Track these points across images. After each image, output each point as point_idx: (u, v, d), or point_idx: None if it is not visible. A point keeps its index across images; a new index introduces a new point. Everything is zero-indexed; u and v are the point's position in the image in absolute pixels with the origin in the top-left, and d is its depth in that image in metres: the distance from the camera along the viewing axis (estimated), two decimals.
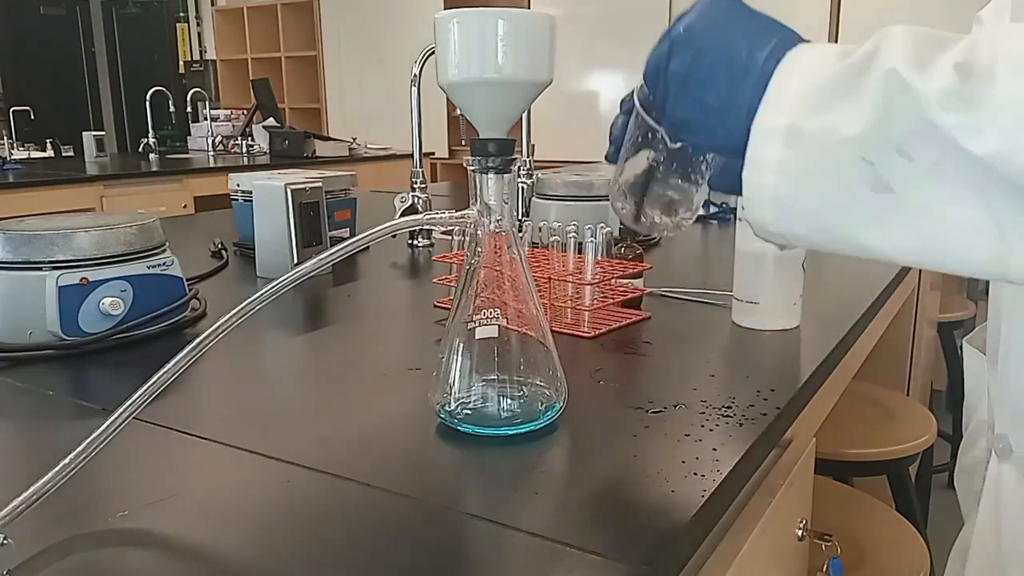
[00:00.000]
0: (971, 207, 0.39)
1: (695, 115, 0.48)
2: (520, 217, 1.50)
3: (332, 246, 0.55)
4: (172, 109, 4.81)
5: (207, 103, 5.04)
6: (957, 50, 0.39)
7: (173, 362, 0.50)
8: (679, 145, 0.55)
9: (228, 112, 5.09)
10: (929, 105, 0.39)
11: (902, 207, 0.41)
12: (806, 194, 0.43)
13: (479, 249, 0.61)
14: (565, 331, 0.88)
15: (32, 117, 4.77)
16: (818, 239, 0.45)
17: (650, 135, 0.56)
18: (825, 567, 0.95)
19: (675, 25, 0.49)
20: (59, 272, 0.82)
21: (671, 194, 0.59)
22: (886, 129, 0.40)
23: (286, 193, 1.15)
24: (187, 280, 0.94)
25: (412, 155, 1.51)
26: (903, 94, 0.39)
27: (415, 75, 1.42)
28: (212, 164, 4.11)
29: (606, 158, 0.61)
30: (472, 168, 0.60)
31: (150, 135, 4.54)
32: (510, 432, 0.61)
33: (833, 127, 0.41)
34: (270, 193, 1.17)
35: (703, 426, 0.63)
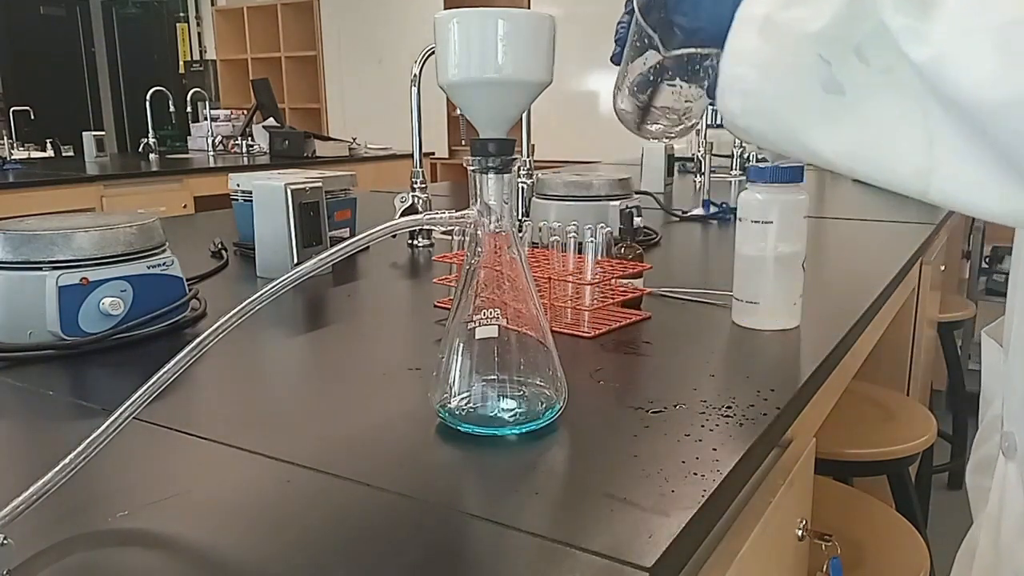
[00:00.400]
0: (910, 118, 0.39)
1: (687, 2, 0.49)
2: (520, 217, 1.50)
3: (332, 246, 0.55)
4: (172, 109, 4.81)
5: (207, 103, 5.04)
6: None
7: (173, 362, 0.50)
8: (675, 53, 0.55)
9: (228, 112, 5.09)
10: (885, 7, 0.38)
11: (850, 110, 0.41)
12: (768, 87, 0.43)
13: (479, 249, 0.61)
14: (565, 331, 0.88)
15: (32, 117, 4.78)
16: (773, 136, 0.45)
17: (647, 40, 0.56)
18: (825, 567, 0.95)
19: None
20: (59, 272, 0.82)
21: (675, 97, 0.59)
22: (846, 28, 0.40)
23: (286, 193, 1.15)
24: (187, 280, 0.94)
25: (412, 155, 1.51)
26: None
27: (415, 75, 1.42)
28: (212, 164, 4.11)
29: (611, 59, 0.61)
30: (472, 168, 0.60)
31: (150, 135, 4.54)
32: (510, 432, 0.61)
33: (799, 20, 0.41)
34: (270, 193, 1.17)
35: (703, 426, 0.63)
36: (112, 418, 0.49)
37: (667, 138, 0.63)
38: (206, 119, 4.73)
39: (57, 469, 0.47)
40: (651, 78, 0.60)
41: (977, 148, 0.37)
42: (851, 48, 0.40)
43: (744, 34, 0.44)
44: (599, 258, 0.94)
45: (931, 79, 0.37)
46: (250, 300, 0.52)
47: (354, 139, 4.51)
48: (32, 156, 4.41)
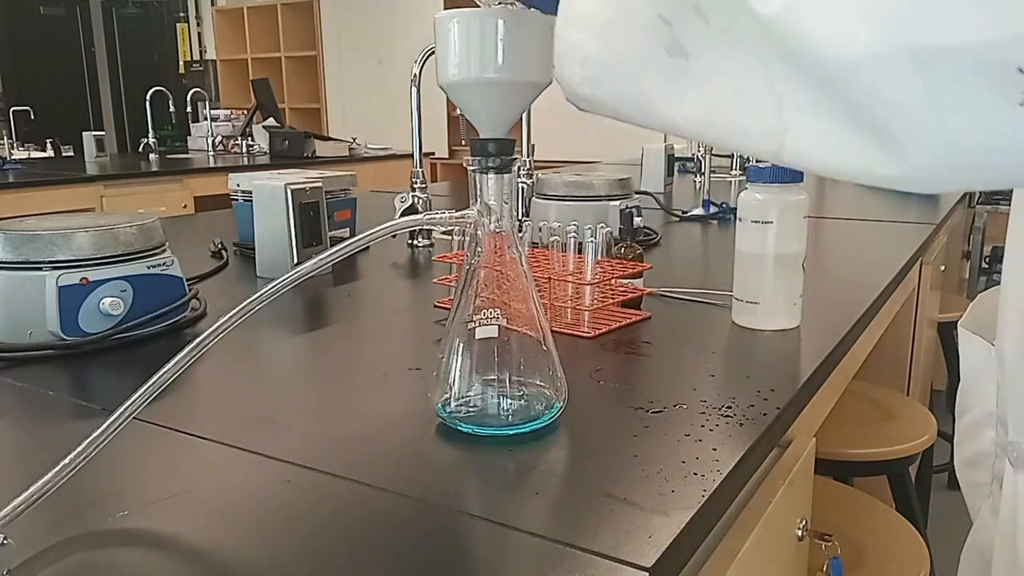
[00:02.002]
0: (755, 77, 0.36)
1: None
2: (520, 217, 1.50)
3: (332, 246, 0.55)
4: (172, 109, 4.82)
5: (207, 103, 5.04)
6: None
7: (173, 362, 0.50)
8: None
9: (228, 112, 5.09)
10: None
11: (695, 74, 0.38)
12: (607, 54, 0.40)
13: (479, 249, 0.61)
14: (565, 331, 0.88)
15: (32, 117, 4.78)
16: (617, 104, 0.42)
17: None
18: (825, 567, 0.95)
19: None
20: (59, 272, 0.82)
21: None
22: None
23: (286, 193, 1.15)
24: (187, 280, 0.94)
25: (412, 155, 1.51)
26: None
27: (415, 75, 1.42)
28: (212, 164, 4.12)
29: None
30: (472, 168, 0.60)
31: (150, 135, 4.54)
32: (510, 432, 0.61)
33: None
34: (270, 193, 1.17)
35: (703, 426, 0.63)
36: (112, 418, 0.49)
37: None
38: (206, 119, 4.73)
39: (57, 469, 0.47)
40: None
41: (827, 106, 0.34)
42: (691, 6, 0.36)
43: None
44: (599, 258, 0.94)
45: (779, 33, 0.34)
46: (250, 300, 0.52)
47: (354, 139, 4.51)
48: (32, 156, 4.41)
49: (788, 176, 0.85)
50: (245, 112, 4.79)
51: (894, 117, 0.32)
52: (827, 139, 0.35)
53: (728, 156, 2.81)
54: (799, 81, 0.35)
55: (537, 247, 0.99)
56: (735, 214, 0.90)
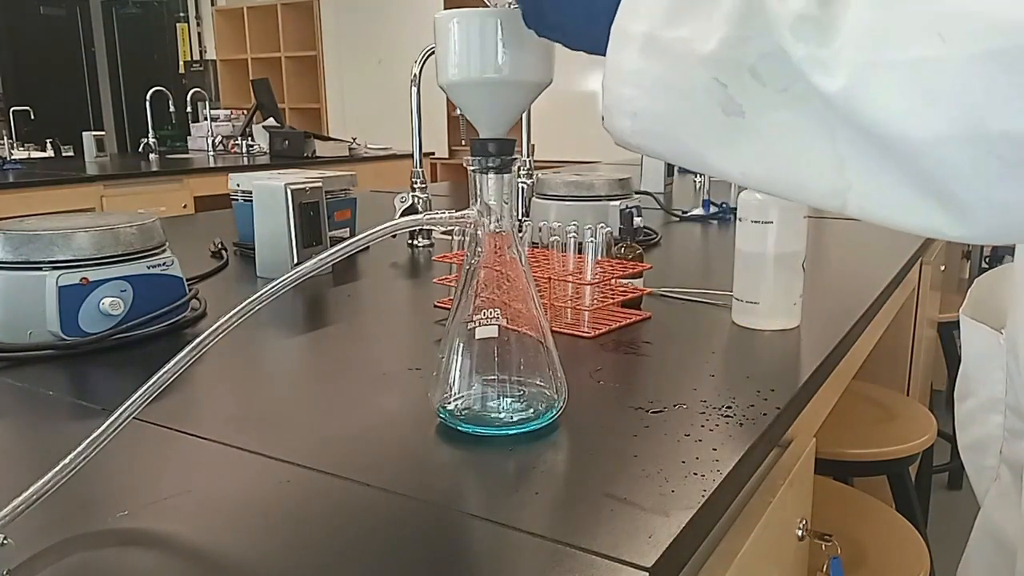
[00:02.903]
0: (815, 138, 0.37)
1: (560, 18, 0.48)
2: (520, 217, 1.50)
3: (332, 246, 0.55)
4: (172, 109, 4.81)
5: (207, 103, 5.04)
6: None
7: (173, 362, 0.50)
8: None
9: (228, 112, 5.09)
10: (781, 31, 0.36)
11: (752, 132, 0.39)
12: (660, 110, 0.42)
13: (479, 249, 0.61)
14: (565, 331, 0.88)
15: (32, 117, 4.78)
16: (672, 155, 0.43)
17: None
18: (825, 567, 0.95)
19: None
20: (59, 272, 0.82)
21: None
22: (739, 50, 0.38)
23: (286, 193, 1.15)
24: (187, 280, 0.94)
25: (412, 155, 1.51)
26: (758, 14, 0.37)
27: (415, 75, 1.42)
28: (212, 164, 4.11)
29: None
30: (472, 168, 0.60)
31: (150, 135, 4.54)
32: (510, 432, 0.61)
33: (688, 42, 0.39)
34: (270, 193, 1.17)
35: (703, 426, 0.63)
36: (112, 418, 0.49)
37: None
38: (206, 119, 4.73)
39: (57, 469, 0.47)
40: None
41: (892, 172, 0.36)
42: (746, 68, 0.38)
43: (625, 53, 0.42)
44: (599, 258, 0.94)
45: (842, 109, 0.36)
46: (250, 300, 0.52)
47: (354, 139, 4.51)
48: (32, 156, 4.40)
49: None
50: (245, 112, 4.79)
51: (963, 191, 0.34)
52: (891, 200, 0.37)
53: None
54: (862, 146, 0.36)
55: (537, 247, 0.99)
56: (735, 214, 0.90)
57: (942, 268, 1.96)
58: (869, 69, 0.35)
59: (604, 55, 0.44)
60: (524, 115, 1.63)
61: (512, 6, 0.55)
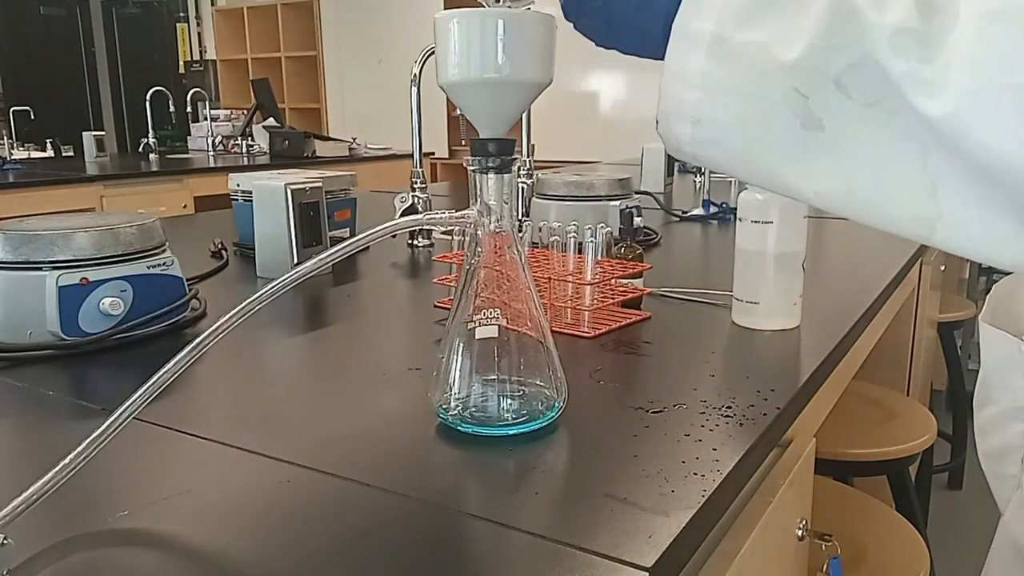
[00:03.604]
0: (907, 159, 0.34)
1: (606, 8, 0.44)
2: (520, 217, 1.50)
3: (332, 246, 0.55)
4: (172, 109, 4.81)
5: (207, 103, 5.04)
6: None
7: (173, 362, 0.50)
8: None
9: (228, 112, 5.09)
10: (879, 43, 0.34)
11: (832, 148, 0.36)
12: (727, 118, 0.38)
13: (479, 249, 0.61)
14: (565, 331, 0.88)
15: (32, 117, 4.78)
16: (734, 168, 0.40)
17: None
18: (825, 567, 0.95)
19: None
20: (59, 272, 0.82)
21: None
22: (826, 59, 0.35)
23: (286, 193, 1.15)
24: (187, 280, 0.94)
25: (412, 155, 1.51)
26: (851, 22, 0.34)
27: (415, 75, 1.42)
28: (212, 164, 4.11)
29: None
30: (472, 168, 0.60)
31: (150, 135, 4.54)
32: (510, 432, 0.61)
33: (766, 46, 0.36)
34: (270, 193, 1.17)
35: (703, 426, 0.63)
36: (112, 418, 0.49)
37: None
38: (206, 119, 4.73)
39: (57, 469, 0.47)
40: None
41: (991, 200, 0.33)
42: (831, 79, 0.35)
43: (688, 53, 0.38)
44: (599, 258, 0.94)
45: (945, 134, 0.33)
46: (250, 300, 0.52)
47: (354, 139, 4.51)
48: (32, 156, 4.40)
49: None
50: (245, 112, 4.79)
51: None
52: (985, 232, 0.34)
53: None
54: (961, 173, 0.33)
55: (537, 247, 0.99)
56: (735, 214, 0.90)
57: (942, 268, 1.96)
58: (981, 93, 0.32)
59: (651, 55, 0.41)
60: (524, 115, 1.63)
61: (507, 4, 0.54)
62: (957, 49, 0.32)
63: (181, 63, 6.89)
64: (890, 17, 0.34)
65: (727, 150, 0.39)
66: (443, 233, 1.45)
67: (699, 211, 1.80)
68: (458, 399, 0.62)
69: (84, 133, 4.22)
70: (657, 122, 0.42)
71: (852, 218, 0.40)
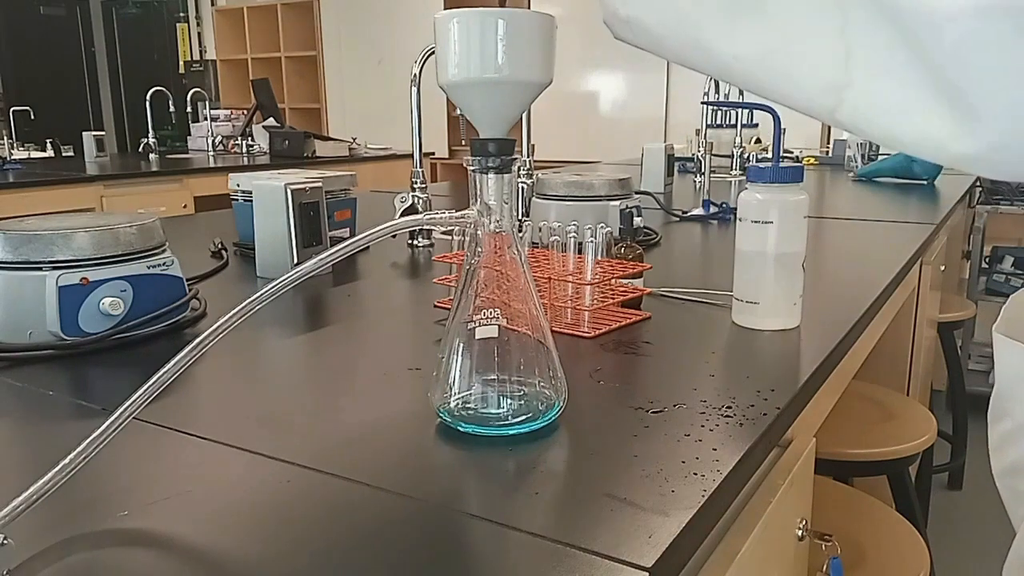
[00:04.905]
0: (825, 19, 0.33)
1: None
2: (520, 217, 1.50)
3: (332, 246, 0.55)
4: (172, 109, 4.81)
5: (207, 103, 5.04)
6: None
7: (173, 362, 0.50)
8: None
9: (228, 112, 5.09)
10: None
11: (756, 6, 0.35)
12: None
13: (479, 249, 0.61)
14: (565, 331, 0.88)
15: (32, 117, 4.78)
16: (664, 34, 0.39)
17: None
18: (825, 567, 0.95)
19: None
20: (59, 272, 0.82)
21: None
22: None
23: (286, 193, 1.15)
24: (187, 280, 0.94)
25: (412, 155, 1.51)
26: None
27: (415, 75, 1.42)
28: (212, 164, 4.11)
29: None
30: (472, 168, 0.60)
31: (150, 135, 4.54)
32: (510, 432, 0.61)
33: None
34: (270, 193, 1.17)
35: (703, 426, 0.63)
36: (112, 418, 0.49)
37: None
38: (206, 119, 4.73)
39: (57, 469, 0.47)
40: None
41: (903, 65, 0.32)
42: None
43: None
44: (599, 258, 0.94)
45: None
46: (250, 300, 0.52)
47: (354, 139, 4.51)
48: (32, 156, 4.41)
49: (788, 176, 0.85)
50: (245, 112, 4.79)
51: (976, 80, 0.30)
52: (894, 101, 0.32)
53: (728, 156, 2.81)
54: (876, 33, 0.32)
55: (537, 247, 0.99)
56: (735, 214, 0.90)
57: (942, 268, 1.96)
58: None
59: None
60: (524, 115, 1.63)
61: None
62: None
63: (181, 63, 6.90)
64: None
65: (659, 11, 0.39)
66: (443, 233, 1.45)
67: (699, 211, 1.80)
68: (458, 399, 0.62)
69: (84, 133, 4.22)
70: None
71: (762, 90, 0.38)
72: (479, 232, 0.60)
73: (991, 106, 0.30)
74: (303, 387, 0.79)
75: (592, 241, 0.93)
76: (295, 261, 1.16)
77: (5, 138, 4.36)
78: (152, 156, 4.42)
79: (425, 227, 0.97)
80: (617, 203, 1.34)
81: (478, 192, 0.60)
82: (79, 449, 0.48)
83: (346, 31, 5.88)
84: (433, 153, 5.21)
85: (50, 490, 0.47)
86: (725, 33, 0.37)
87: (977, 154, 0.31)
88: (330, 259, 0.55)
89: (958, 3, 0.29)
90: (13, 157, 4.06)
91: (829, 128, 3.91)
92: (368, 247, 1.07)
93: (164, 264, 0.90)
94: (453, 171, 5.40)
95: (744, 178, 0.90)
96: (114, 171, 3.71)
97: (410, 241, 1.46)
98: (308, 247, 1.17)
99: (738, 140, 2.65)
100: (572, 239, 0.94)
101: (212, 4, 6.75)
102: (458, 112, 0.88)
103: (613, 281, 0.95)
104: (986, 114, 0.30)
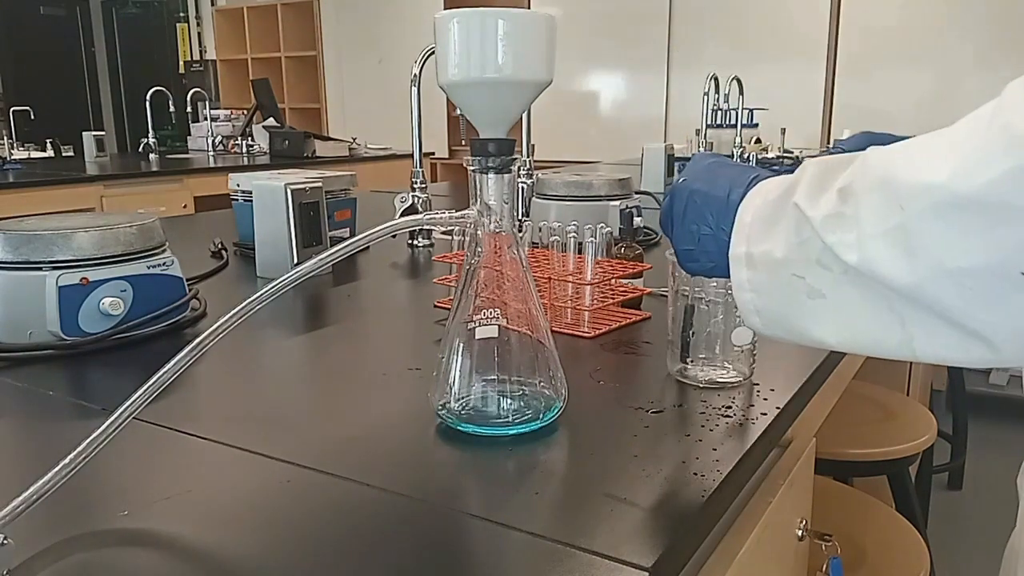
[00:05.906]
0: (879, 306, 0.46)
1: (693, 245, 0.60)
2: (520, 217, 1.50)
3: (332, 246, 0.55)
4: (172, 109, 4.81)
5: (207, 103, 5.04)
6: (848, 172, 0.47)
7: (173, 362, 0.50)
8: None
9: (228, 112, 5.09)
10: (819, 229, 0.47)
11: (832, 308, 0.49)
12: (771, 305, 0.53)
13: (479, 249, 0.61)
14: (565, 331, 0.88)
15: (32, 117, 4.77)
16: (791, 338, 0.53)
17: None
18: (825, 567, 0.95)
19: (676, 179, 0.60)
20: (59, 272, 0.82)
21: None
22: (803, 250, 0.49)
23: (286, 193, 1.15)
24: (187, 280, 0.94)
25: (412, 155, 1.51)
26: (804, 223, 0.49)
27: (415, 75, 1.42)
28: (212, 164, 4.11)
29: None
30: (472, 168, 0.60)
31: (150, 135, 4.54)
32: (510, 432, 0.61)
33: (769, 252, 0.52)
34: (270, 193, 1.17)
35: (703, 426, 0.63)
36: (112, 418, 0.49)
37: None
38: (206, 119, 4.73)
39: (57, 469, 0.47)
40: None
41: (936, 320, 0.44)
42: (814, 262, 0.48)
43: (738, 269, 0.54)
44: (599, 258, 0.94)
45: (863, 276, 0.46)
46: (250, 300, 0.52)
47: (354, 139, 4.51)
48: (32, 156, 4.40)
49: None
50: (245, 112, 4.78)
51: (970, 321, 0.43)
52: (947, 344, 0.45)
53: (728, 156, 2.81)
54: (909, 303, 0.45)
55: (537, 247, 0.99)
56: None
57: None
58: (870, 240, 0.44)
59: (724, 272, 0.56)
60: (524, 115, 1.63)
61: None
62: (858, 216, 0.45)
63: (181, 63, 6.89)
64: (822, 210, 0.47)
65: (780, 327, 0.54)
66: (443, 233, 1.45)
67: None
68: (458, 399, 0.62)
69: (84, 133, 4.21)
70: (737, 317, 0.62)
71: (865, 354, 0.55)
72: (479, 232, 0.60)
73: (991, 332, 0.43)
74: (303, 387, 0.79)
75: (592, 241, 0.93)
76: (295, 261, 1.16)
77: (5, 138, 4.36)
78: (152, 156, 4.41)
79: (425, 227, 0.97)
80: (617, 203, 1.34)
81: (478, 192, 0.60)
82: (79, 449, 0.48)
83: (346, 31, 5.87)
84: (433, 153, 5.21)
85: (50, 490, 0.47)
86: (824, 332, 0.51)
87: (1006, 360, 0.44)
88: (330, 259, 0.55)
89: (909, 279, 0.44)
90: (13, 157, 4.05)
91: (829, 128, 3.92)
92: (368, 247, 1.07)
93: (164, 264, 0.90)
94: (453, 171, 5.40)
95: None
96: (114, 171, 3.71)
97: (410, 241, 1.46)
98: (308, 247, 1.17)
99: (738, 140, 2.65)
100: (572, 239, 0.94)
101: (212, 4, 6.75)
102: (458, 112, 0.89)
103: (613, 281, 0.95)
104: (992, 338, 0.43)
